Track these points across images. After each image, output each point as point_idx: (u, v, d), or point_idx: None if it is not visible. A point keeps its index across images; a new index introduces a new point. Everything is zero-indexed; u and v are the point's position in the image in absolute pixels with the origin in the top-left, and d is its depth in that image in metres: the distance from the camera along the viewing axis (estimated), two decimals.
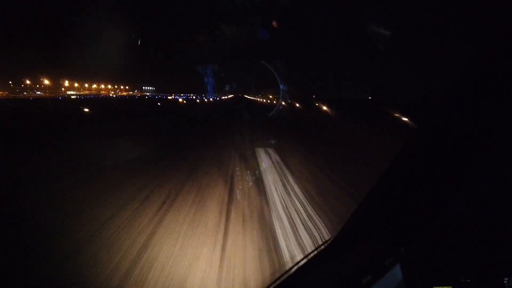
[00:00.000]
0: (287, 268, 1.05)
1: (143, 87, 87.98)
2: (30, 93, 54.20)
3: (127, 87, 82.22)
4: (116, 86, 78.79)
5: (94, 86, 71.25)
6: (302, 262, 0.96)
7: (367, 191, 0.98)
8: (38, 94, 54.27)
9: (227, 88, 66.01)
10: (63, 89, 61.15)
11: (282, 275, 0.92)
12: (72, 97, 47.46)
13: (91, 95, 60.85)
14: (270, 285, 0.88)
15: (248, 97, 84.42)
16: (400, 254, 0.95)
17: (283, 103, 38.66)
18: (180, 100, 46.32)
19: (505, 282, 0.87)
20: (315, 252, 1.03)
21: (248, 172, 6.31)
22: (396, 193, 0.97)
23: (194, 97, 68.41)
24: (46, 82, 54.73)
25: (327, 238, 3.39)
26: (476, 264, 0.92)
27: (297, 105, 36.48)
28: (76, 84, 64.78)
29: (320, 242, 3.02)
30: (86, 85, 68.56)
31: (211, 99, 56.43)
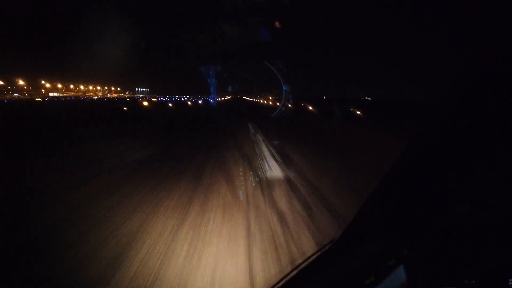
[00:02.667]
0: (290, 269, 0.97)
1: (136, 88, 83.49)
2: (7, 95, 49.68)
3: (118, 88, 77.79)
4: (106, 88, 74.37)
5: (81, 87, 66.74)
6: (305, 264, 0.95)
7: (370, 192, 0.95)
8: (16, 96, 49.76)
9: (229, 89, 62.04)
10: (43, 90, 56.55)
11: (286, 275, 0.91)
12: (37, 99, 42.43)
13: (70, 97, 56.02)
14: (274, 285, 0.89)
15: (249, 98, 79.29)
16: (403, 255, 0.93)
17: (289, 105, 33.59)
18: (146, 103, 37.43)
19: (510, 283, 0.86)
20: (318, 253, 1.01)
21: None
22: (399, 193, 0.97)
23: (184, 99, 63.17)
24: (21, 82, 50.01)
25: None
26: (480, 265, 0.91)
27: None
28: (59, 85, 60.19)
29: None
30: (72, 86, 64.00)
31: (199, 102, 50.68)
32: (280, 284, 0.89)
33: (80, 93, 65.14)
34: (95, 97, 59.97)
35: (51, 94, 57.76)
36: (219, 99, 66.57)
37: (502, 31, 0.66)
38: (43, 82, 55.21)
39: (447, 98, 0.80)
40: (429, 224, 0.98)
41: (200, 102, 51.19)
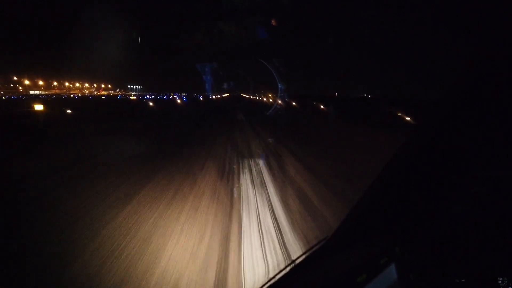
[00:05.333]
0: (281, 268, 0.98)
1: (128, 86, 78.92)
2: None
3: (109, 86, 73.37)
4: (95, 85, 70.01)
5: (67, 84, 62.46)
6: (297, 262, 0.95)
7: (363, 191, 0.96)
8: None
9: (225, 87, 59.72)
10: (20, 88, 52.28)
11: (277, 274, 0.91)
12: None
13: (43, 95, 51.46)
14: (263, 285, 0.88)
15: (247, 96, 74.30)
16: (395, 254, 0.94)
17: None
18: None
19: (500, 282, 0.87)
20: (311, 251, 1.01)
21: None
22: (392, 192, 0.97)
23: (175, 96, 57.82)
24: None
25: None
26: (471, 264, 0.92)
27: None
28: (40, 82, 55.89)
29: None
30: (55, 83, 59.71)
31: (184, 99, 44.51)
32: (272, 281, 0.87)
33: (64, 90, 60.89)
34: (69, 95, 55.34)
35: (31, 92, 53.60)
36: (214, 96, 61.14)
37: (502, 30, 0.65)
38: (15, 78, 50.77)
39: (445, 98, 0.78)
40: (421, 223, 0.96)
41: (185, 100, 44.54)
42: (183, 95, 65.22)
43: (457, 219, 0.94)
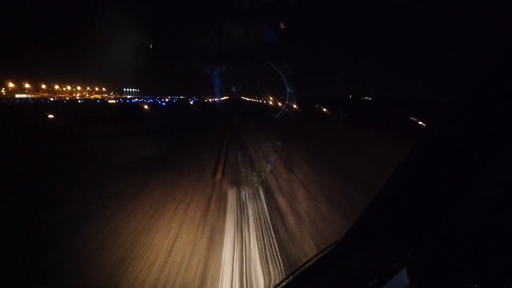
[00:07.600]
0: (292, 271, 0.96)
1: (124, 89, 76.09)
2: None
3: (103, 89, 70.65)
4: (88, 88, 67.37)
5: (56, 87, 59.84)
6: (307, 265, 0.94)
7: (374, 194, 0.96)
8: None
9: (233, 90, 61.02)
10: (3, 91, 49.60)
11: (284, 279, 0.91)
12: None
13: (29, 99, 48.45)
14: (276, 286, 0.88)
15: (249, 99, 70.61)
16: (407, 258, 0.92)
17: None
18: None
19: None
20: (320, 255, 1.00)
21: None
22: (403, 196, 0.96)
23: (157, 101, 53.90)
24: None
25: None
26: (484, 270, 0.90)
27: None
28: (27, 85, 53.21)
29: None
30: (44, 86, 57.07)
31: (163, 104, 39.60)
32: (283, 285, 0.87)
33: (52, 94, 58.18)
34: (46, 99, 52.36)
35: (17, 96, 50.98)
36: (210, 100, 57.08)
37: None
38: None
39: (456, 99, 0.78)
40: (433, 227, 0.96)
41: (164, 105, 38.77)
42: (179, 98, 61.50)
43: (469, 224, 0.93)
